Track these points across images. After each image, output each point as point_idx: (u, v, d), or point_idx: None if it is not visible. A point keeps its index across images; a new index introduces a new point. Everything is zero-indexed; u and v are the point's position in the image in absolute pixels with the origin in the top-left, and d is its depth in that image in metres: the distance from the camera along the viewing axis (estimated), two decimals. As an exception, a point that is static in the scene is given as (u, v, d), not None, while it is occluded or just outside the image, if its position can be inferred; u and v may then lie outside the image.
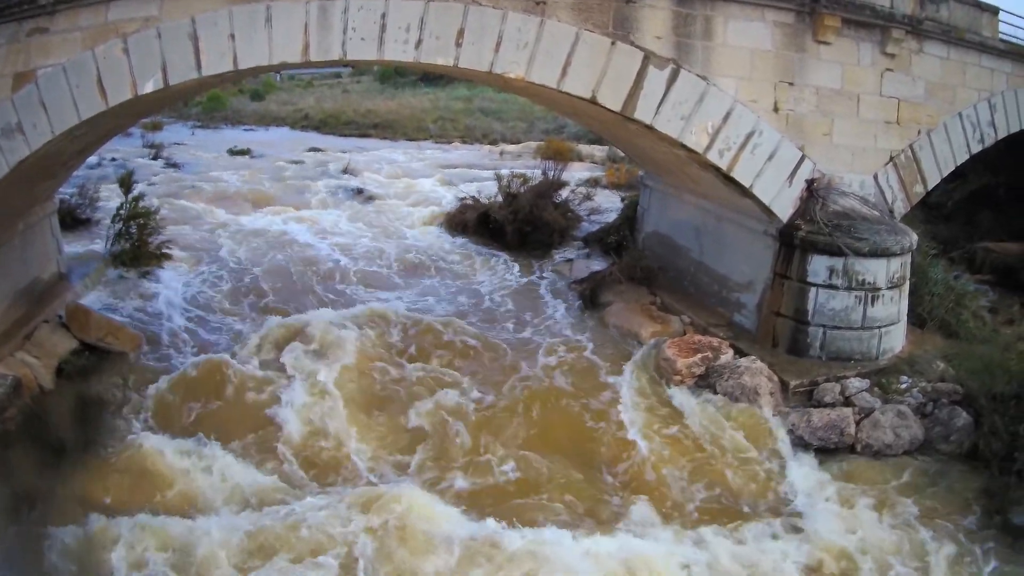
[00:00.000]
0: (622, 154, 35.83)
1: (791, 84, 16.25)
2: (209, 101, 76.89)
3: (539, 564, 11.65)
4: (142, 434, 15.75)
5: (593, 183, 32.21)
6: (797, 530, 12.43)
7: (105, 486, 14.48)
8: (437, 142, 54.07)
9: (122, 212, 25.34)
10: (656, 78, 15.16)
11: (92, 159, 34.14)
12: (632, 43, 14.98)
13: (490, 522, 12.66)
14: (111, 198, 29.33)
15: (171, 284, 24.00)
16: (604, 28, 14.82)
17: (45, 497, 14.18)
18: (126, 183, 26.08)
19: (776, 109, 16.16)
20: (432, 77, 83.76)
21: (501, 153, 38.23)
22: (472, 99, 68.09)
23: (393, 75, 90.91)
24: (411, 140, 55.45)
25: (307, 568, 12.11)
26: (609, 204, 29.58)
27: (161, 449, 15.04)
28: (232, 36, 14.43)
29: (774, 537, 12.28)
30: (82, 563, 12.77)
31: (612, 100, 15.20)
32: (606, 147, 41.04)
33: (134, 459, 14.96)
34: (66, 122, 14.96)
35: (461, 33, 14.37)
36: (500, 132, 53.59)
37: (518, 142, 48.45)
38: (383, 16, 14.32)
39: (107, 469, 14.83)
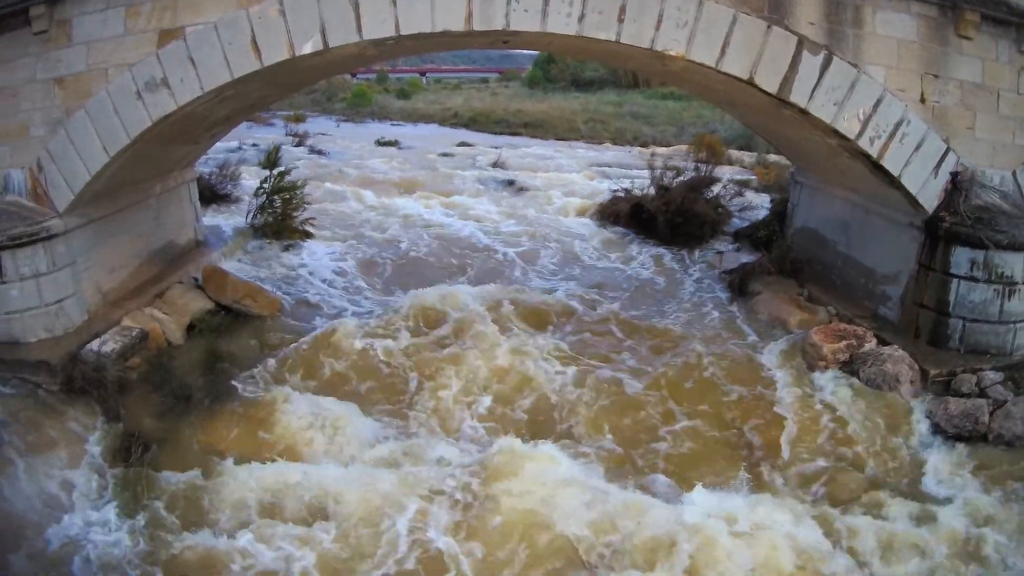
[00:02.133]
0: (771, 159, 36.09)
1: (936, 76, 16.23)
2: (354, 97, 79.62)
3: (681, 524, 11.99)
4: (270, 388, 16.43)
5: (743, 185, 32.22)
6: (928, 511, 12.59)
7: (225, 435, 15.18)
8: (588, 142, 54.49)
9: (266, 186, 26.18)
10: (810, 63, 15.41)
11: (232, 143, 35.86)
12: (787, 28, 15.24)
13: (633, 483, 13.28)
14: (250, 178, 30.56)
15: (314, 256, 24.96)
16: (760, 12, 15.13)
17: (161, 441, 14.79)
18: (271, 158, 27.07)
19: (923, 100, 16.16)
20: (582, 83, 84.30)
21: (652, 154, 38.58)
22: (622, 104, 68.41)
23: (542, 80, 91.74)
24: (561, 140, 55.95)
25: (429, 525, 12.56)
26: (758, 203, 29.79)
27: (289, 403, 15.68)
28: (394, 3, 14.94)
29: (906, 517, 12.50)
30: (191, 504, 13.35)
31: (768, 82, 15.49)
32: (755, 153, 41.09)
33: (259, 411, 15.63)
34: (217, 79, 15.61)
35: (623, 10, 14.78)
36: (650, 135, 53.64)
37: (668, 145, 48.22)
38: (545, -12, 14.86)
39: (229, 419, 15.50)
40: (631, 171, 36.55)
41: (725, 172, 34.78)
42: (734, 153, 42.19)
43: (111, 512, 13.10)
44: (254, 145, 42.26)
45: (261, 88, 18.37)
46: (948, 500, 12.89)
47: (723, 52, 15.26)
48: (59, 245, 16.61)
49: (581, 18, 14.87)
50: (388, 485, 13.34)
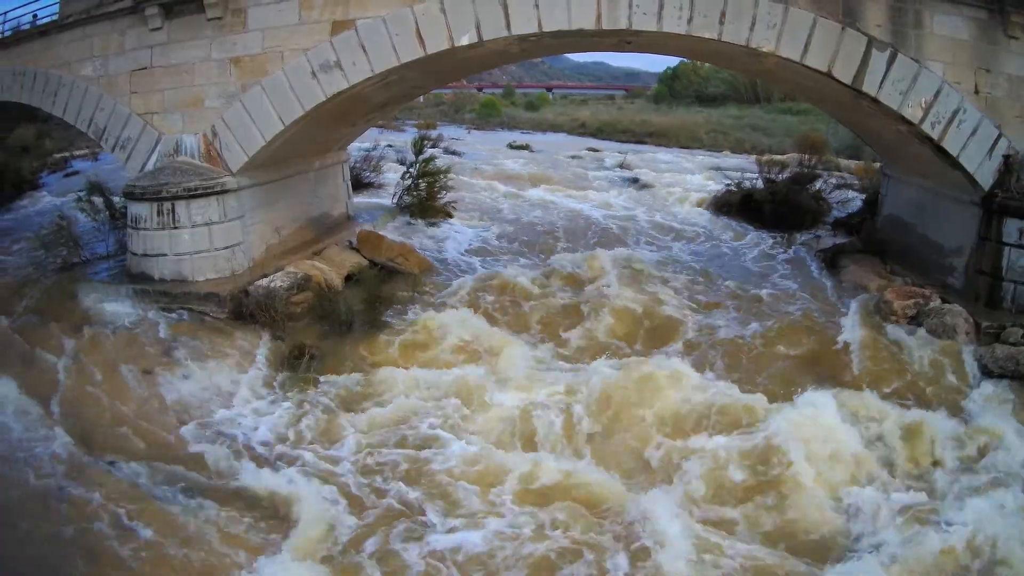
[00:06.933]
0: (876, 166, 38.28)
1: (988, 71, 18.39)
2: (483, 108, 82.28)
3: (768, 415, 15.13)
4: (425, 318, 19.19)
5: (846, 186, 34.50)
6: (967, 420, 15.48)
7: (383, 350, 18.10)
8: (708, 150, 56.39)
9: (413, 170, 29.10)
10: (878, 59, 17.69)
11: (368, 144, 38.34)
12: (858, 29, 17.58)
13: (737, 389, 16.27)
14: (390, 172, 34.22)
15: (458, 231, 28.11)
16: (835, 16, 17.50)
17: (323, 356, 17.60)
18: (419, 145, 29.80)
19: (976, 91, 18.31)
20: (705, 98, 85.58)
21: (767, 161, 40.65)
22: (743, 117, 69.86)
23: (667, 96, 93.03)
24: (684, 148, 58.12)
25: (573, 415, 15.56)
26: (857, 198, 31.95)
27: (442, 327, 18.62)
28: (536, 5, 17.78)
29: (946, 421, 15.29)
30: (351, 400, 16.24)
31: (844, 74, 17.90)
32: (861, 161, 43.02)
33: (415, 335, 18.67)
34: (385, 63, 18.62)
35: (723, 14, 17.38)
36: (767, 144, 54.55)
37: (784, 153, 49.37)
38: (659, -6, 17.65)
39: (387, 339, 18.40)
40: (745, 173, 39.02)
41: (833, 177, 37.13)
42: (843, 161, 43.85)
43: (278, 402, 16.26)
44: (389, 146, 44.91)
45: (418, 77, 21.32)
46: (982, 413, 15.69)
47: (806, 49, 17.70)
48: (231, 200, 19.76)
49: (690, 20, 17.55)
50: (538, 387, 16.52)
